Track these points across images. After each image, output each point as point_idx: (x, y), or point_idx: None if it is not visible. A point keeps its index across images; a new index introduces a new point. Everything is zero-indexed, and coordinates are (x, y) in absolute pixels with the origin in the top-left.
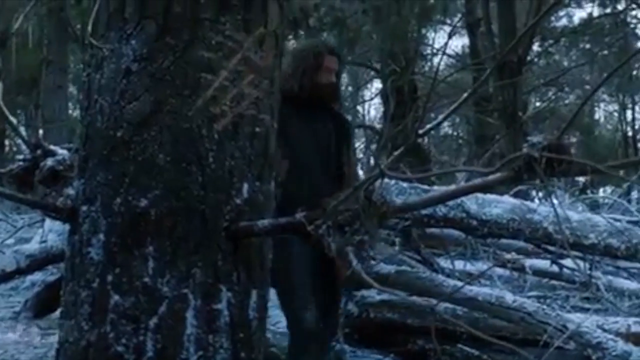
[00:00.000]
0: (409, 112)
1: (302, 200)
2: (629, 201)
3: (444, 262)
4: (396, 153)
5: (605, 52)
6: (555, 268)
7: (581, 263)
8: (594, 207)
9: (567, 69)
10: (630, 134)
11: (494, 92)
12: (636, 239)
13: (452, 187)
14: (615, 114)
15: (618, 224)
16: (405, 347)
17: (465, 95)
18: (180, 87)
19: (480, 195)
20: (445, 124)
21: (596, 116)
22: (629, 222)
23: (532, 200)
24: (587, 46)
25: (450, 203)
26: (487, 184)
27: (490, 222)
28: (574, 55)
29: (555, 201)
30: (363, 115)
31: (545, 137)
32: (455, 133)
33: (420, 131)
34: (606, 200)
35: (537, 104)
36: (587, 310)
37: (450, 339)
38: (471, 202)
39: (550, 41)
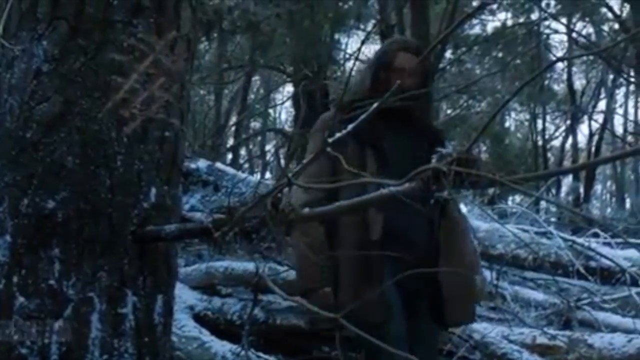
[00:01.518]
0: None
1: (398, 244)
2: (537, 211)
3: None
4: (305, 161)
5: (518, 61)
6: None
7: (488, 273)
8: (503, 216)
9: (479, 77)
10: (540, 143)
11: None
12: (543, 250)
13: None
14: (526, 123)
15: (526, 234)
16: (311, 353)
17: (375, 104)
18: (91, 88)
19: None
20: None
21: (507, 124)
22: (536, 233)
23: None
24: (500, 55)
25: None
26: (395, 195)
27: None
28: (486, 64)
29: (464, 210)
30: (274, 119)
31: (455, 149)
32: None
33: (330, 139)
34: (514, 210)
35: (449, 111)
36: (493, 320)
37: (356, 346)
38: None
39: (463, 49)
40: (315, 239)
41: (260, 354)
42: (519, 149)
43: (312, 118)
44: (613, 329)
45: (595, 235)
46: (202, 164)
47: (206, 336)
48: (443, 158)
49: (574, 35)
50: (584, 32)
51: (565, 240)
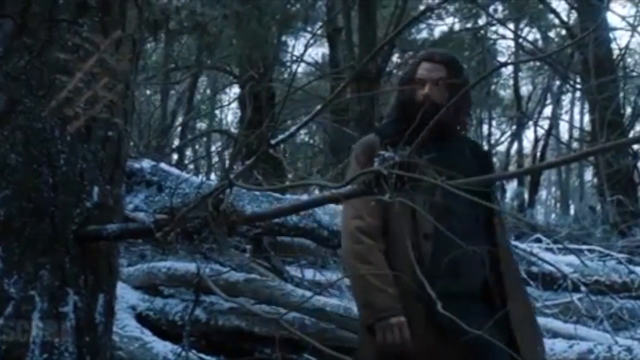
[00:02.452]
0: (266, 118)
1: (443, 278)
2: None
3: (294, 271)
4: (248, 162)
5: (465, 66)
6: None
7: None
8: None
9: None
10: (485, 148)
11: (352, 102)
12: None
13: (304, 197)
14: (472, 128)
15: None
16: (252, 355)
17: (319, 106)
18: (35, 87)
19: (332, 206)
20: (303, 131)
21: None
22: None
23: None
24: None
25: (302, 213)
26: (337, 197)
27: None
28: None
29: None
30: (220, 120)
31: (397, 153)
32: (311, 141)
33: (273, 141)
34: None
35: None
36: None
37: (297, 348)
38: (323, 213)
39: (410, 53)
40: (378, 265)
41: (202, 355)
42: None
43: (257, 119)
44: (554, 334)
45: (538, 240)
46: (146, 164)
47: (148, 336)
48: (386, 161)
49: (521, 40)
50: (530, 38)
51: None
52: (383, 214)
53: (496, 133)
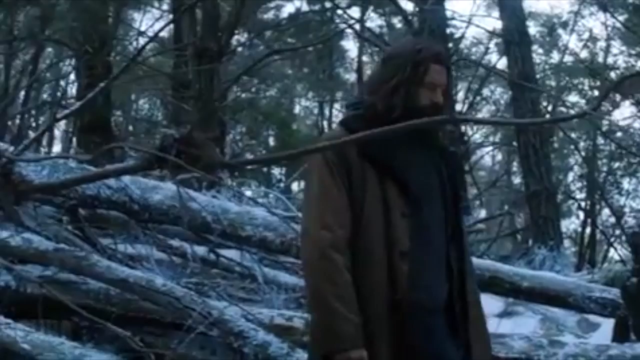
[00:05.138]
0: (101, 92)
1: (431, 272)
2: (290, 198)
3: (109, 243)
4: (35, 135)
5: (310, 48)
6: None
7: (244, 254)
8: (256, 199)
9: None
10: (327, 130)
11: (192, 79)
12: (291, 234)
13: (92, 170)
14: (315, 110)
15: (275, 218)
16: (59, 323)
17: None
18: None
19: (143, 180)
20: (145, 105)
21: (296, 110)
22: (285, 217)
23: (196, 189)
24: (292, 41)
25: (115, 186)
26: (120, 170)
27: (151, 207)
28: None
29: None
30: (56, 94)
31: (179, 130)
32: (154, 115)
33: (59, 115)
34: (270, 195)
35: (243, 95)
36: (246, 300)
37: (102, 317)
38: (135, 187)
39: (255, 33)
40: (345, 289)
41: (9, 321)
42: (305, 135)
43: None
44: None
45: None
46: None
47: None
48: (166, 138)
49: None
50: (376, 25)
51: None
52: (352, 226)
53: (338, 115)
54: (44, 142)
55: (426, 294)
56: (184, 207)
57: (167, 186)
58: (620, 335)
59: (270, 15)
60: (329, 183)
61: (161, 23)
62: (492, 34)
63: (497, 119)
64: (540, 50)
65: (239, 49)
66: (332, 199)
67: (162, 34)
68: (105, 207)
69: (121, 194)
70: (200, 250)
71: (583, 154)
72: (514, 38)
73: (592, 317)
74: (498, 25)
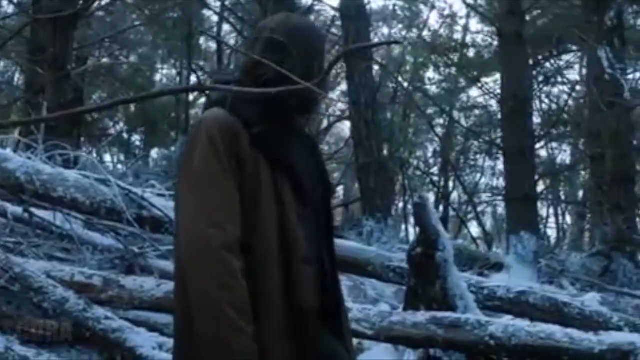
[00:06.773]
0: None
1: (332, 275)
2: (102, 161)
3: None
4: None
5: (171, 15)
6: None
7: (57, 214)
8: (71, 162)
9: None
10: (185, 98)
11: (47, 43)
12: (101, 197)
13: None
14: (178, 79)
15: (86, 180)
16: None
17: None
18: None
19: None
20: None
21: (157, 78)
22: (97, 179)
23: (13, 150)
24: (155, 7)
25: None
26: None
27: None
28: (139, 15)
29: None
30: None
31: None
32: (11, 80)
33: None
34: (84, 158)
35: (105, 60)
36: (63, 261)
37: None
38: None
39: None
40: (242, 297)
41: None
42: (163, 104)
43: None
44: (165, 275)
45: (152, 186)
46: None
47: None
48: None
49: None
50: None
51: (121, 188)
52: (242, 224)
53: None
54: None
55: (329, 298)
56: None
57: None
58: (411, 304)
59: None
60: (214, 166)
61: None
62: (334, 9)
63: (249, 90)
64: (401, 26)
65: (99, 13)
66: (218, 188)
67: None
68: None
69: None
70: (18, 210)
71: (438, 130)
72: (350, 12)
73: None
74: None
